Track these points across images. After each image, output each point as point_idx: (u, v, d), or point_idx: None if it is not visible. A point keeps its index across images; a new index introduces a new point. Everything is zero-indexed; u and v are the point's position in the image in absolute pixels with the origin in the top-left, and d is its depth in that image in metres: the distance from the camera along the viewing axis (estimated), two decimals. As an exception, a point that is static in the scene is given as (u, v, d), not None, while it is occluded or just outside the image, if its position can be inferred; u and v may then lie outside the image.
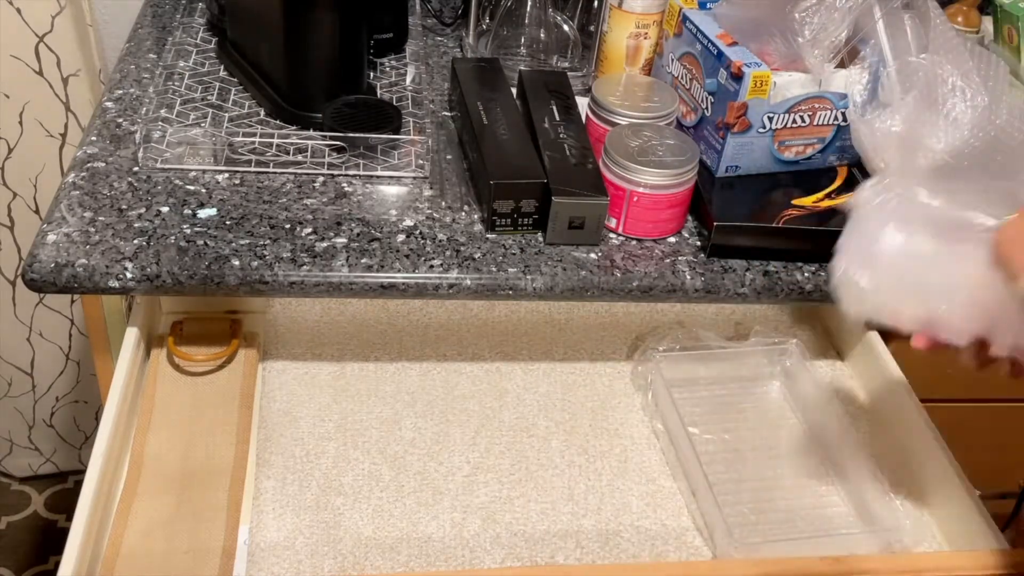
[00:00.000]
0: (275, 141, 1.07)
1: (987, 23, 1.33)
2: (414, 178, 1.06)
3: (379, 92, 1.18)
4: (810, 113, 1.03)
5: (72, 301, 1.65)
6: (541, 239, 0.99)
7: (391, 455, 0.95)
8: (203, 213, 0.97)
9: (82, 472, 0.96)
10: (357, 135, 1.05)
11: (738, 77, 0.99)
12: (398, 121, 1.08)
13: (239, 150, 1.06)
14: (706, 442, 0.98)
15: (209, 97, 1.14)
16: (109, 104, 1.12)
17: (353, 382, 1.03)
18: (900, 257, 0.74)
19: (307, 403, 1.00)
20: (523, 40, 1.26)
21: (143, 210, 0.96)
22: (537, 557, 0.87)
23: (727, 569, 0.82)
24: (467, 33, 1.30)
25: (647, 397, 1.02)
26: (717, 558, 0.87)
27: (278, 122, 1.11)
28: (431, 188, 1.05)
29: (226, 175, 1.03)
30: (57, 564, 0.76)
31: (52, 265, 0.89)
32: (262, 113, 1.12)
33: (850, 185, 1.06)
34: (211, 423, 0.92)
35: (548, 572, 0.86)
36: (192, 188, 1.00)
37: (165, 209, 0.97)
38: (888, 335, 1.06)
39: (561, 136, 1.04)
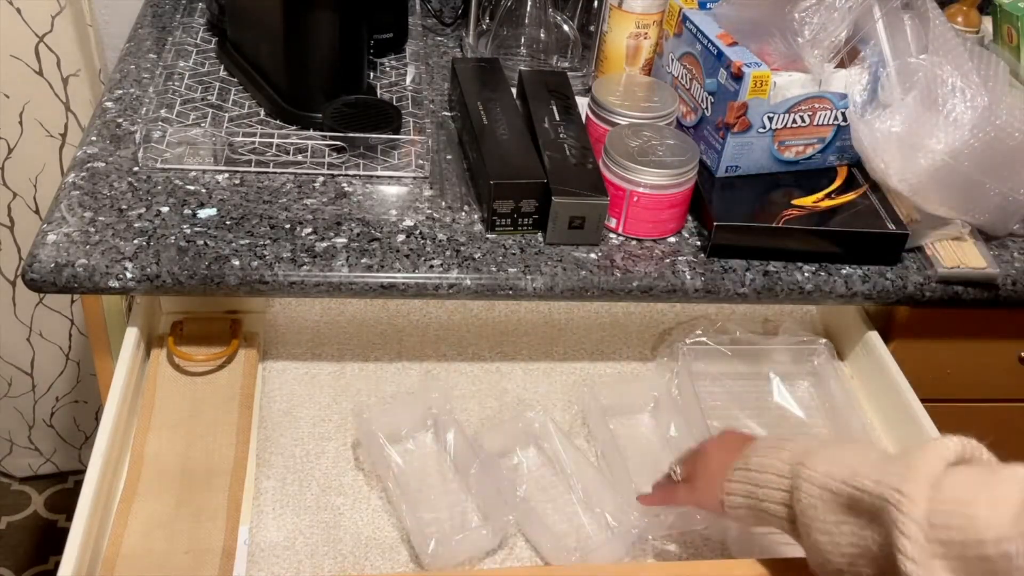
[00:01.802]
0: (275, 141, 1.07)
1: (987, 23, 1.33)
2: (414, 178, 1.06)
3: (379, 92, 1.18)
4: (810, 113, 1.03)
5: (72, 301, 1.65)
6: (541, 239, 0.99)
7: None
8: (203, 213, 0.97)
9: (82, 472, 0.96)
10: (357, 135, 1.05)
11: (738, 77, 0.99)
12: (398, 121, 1.08)
13: (239, 150, 1.06)
14: None
15: (209, 97, 1.14)
16: (109, 104, 1.12)
17: (353, 382, 1.03)
18: None
19: (307, 403, 1.00)
20: (523, 40, 1.26)
21: (143, 210, 0.96)
22: (536, 558, 0.87)
23: (729, 569, 0.82)
24: (467, 33, 1.30)
25: (670, 390, 1.01)
26: (723, 558, 0.87)
27: (278, 122, 1.11)
28: (431, 188, 1.05)
29: (226, 175, 1.03)
30: (57, 564, 0.76)
31: (52, 265, 0.89)
32: (262, 113, 1.12)
33: (850, 185, 1.06)
34: (211, 423, 0.92)
35: (548, 572, 0.86)
36: (192, 188, 1.00)
37: (165, 209, 0.97)
38: (888, 335, 1.06)
39: (561, 136, 1.04)
